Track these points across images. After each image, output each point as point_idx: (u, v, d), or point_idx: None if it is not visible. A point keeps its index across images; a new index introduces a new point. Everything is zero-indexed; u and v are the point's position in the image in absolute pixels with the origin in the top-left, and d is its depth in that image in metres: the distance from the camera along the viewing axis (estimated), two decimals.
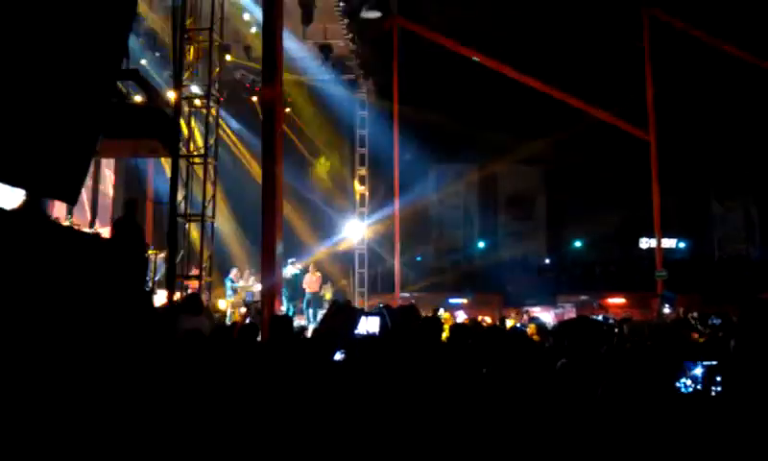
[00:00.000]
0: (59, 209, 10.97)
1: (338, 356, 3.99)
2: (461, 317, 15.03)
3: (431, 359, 3.91)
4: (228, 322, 11.50)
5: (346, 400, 3.18)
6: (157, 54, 13.83)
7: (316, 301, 14.36)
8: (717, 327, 11.28)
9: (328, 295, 16.10)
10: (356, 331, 4.10)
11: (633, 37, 17.27)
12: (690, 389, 2.70)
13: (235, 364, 3.94)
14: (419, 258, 23.61)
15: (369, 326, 4.21)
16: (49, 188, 5.23)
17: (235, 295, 13.61)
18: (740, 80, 18.41)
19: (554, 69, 18.29)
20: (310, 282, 14.36)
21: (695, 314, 14.21)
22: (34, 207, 7.07)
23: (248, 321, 11.26)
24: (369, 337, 4.12)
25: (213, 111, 12.17)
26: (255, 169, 14.83)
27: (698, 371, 2.72)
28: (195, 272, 12.24)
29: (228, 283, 13.86)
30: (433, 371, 3.56)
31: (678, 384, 2.71)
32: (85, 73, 4.70)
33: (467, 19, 16.65)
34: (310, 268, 14.60)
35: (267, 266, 10.11)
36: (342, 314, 4.70)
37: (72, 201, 5.87)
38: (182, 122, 11.54)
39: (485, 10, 16.30)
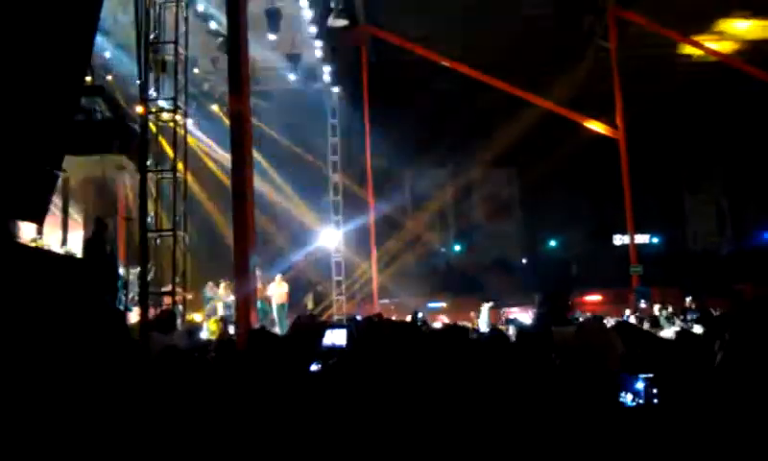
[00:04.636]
0: (28, 230, 10.80)
1: (314, 368, 4.02)
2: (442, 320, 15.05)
3: (406, 366, 3.91)
4: (204, 336, 11.38)
5: (318, 410, 3.17)
6: (123, 69, 13.71)
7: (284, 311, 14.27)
8: (695, 319, 11.43)
9: (311, 304, 16.03)
10: (323, 344, 4.10)
11: (599, 37, 17.49)
12: (633, 403, 2.71)
13: (212, 381, 3.90)
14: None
15: (335, 338, 4.18)
16: (14, 209, 5.11)
17: (210, 307, 13.51)
18: (707, 74, 18.72)
19: (523, 71, 18.44)
20: (278, 294, 14.25)
21: (670, 308, 14.45)
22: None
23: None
24: (335, 349, 4.07)
25: (181, 125, 12.06)
26: (225, 180, 14.75)
27: (639, 384, 2.72)
28: (169, 287, 12.11)
29: (204, 297, 13.75)
30: (408, 377, 3.51)
31: (621, 399, 2.72)
32: (48, 91, 4.61)
33: (434, 24, 16.74)
34: (276, 279, 14.49)
35: (240, 277, 10.05)
36: (303, 330, 4.69)
37: (39, 220, 5.73)
38: (150, 136, 11.42)
39: (451, 14, 16.39)
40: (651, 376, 2.70)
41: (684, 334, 6.72)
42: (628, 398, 2.71)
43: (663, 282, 18.30)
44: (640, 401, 2.68)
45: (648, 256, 19.41)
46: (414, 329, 6.21)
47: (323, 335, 4.27)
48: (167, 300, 11.89)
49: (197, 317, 13.15)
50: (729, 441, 2.61)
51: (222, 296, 13.62)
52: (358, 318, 9.99)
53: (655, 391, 2.68)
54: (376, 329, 5.13)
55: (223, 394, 3.43)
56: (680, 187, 24.79)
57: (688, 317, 13.60)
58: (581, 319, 9.96)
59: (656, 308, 14.85)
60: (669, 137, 20.91)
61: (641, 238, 20.43)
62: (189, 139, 12.83)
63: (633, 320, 12.83)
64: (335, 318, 15.38)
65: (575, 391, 2.90)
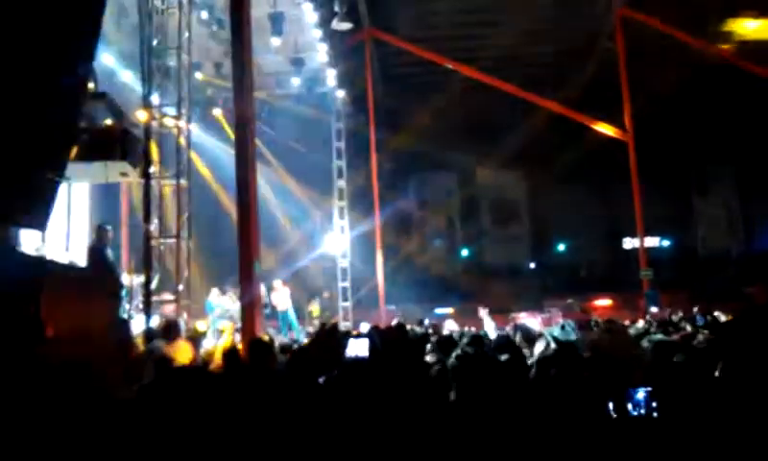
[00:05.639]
0: (32, 237, 10.70)
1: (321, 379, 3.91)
2: (451, 327, 14.82)
3: (417, 379, 3.82)
4: (205, 343, 11.23)
5: (335, 426, 3.09)
6: (126, 75, 13.62)
7: (288, 317, 14.05)
8: (702, 326, 11.22)
9: (316, 310, 15.82)
10: (346, 355, 3.95)
11: (606, 38, 17.36)
12: (635, 413, 2.69)
13: (216, 393, 3.78)
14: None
15: (357, 349, 4.00)
16: (17, 217, 5.01)
17: (215, 316, 13.34)
18: (716, 75, 18.53)
19: (530, 74, 18.31)
20: (281, 299, 14.01)
21: (680, 313, 14.21)
22: (2, 239, 6.84)
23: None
24: (358, 361, 3.91)
25: (184, 130, 11.98)
26: (228, 186, 14.63)
27: (640, 395, 2.71)
28: (172, 295, 11.99)
29: (208, 304, 13.60)
30: (420, 390, 3.48)
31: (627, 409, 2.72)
32: (51, 98, 4.51)
33: (439, 27, 16.63)
34: (275, 284, 14.25)
35: (245, 284, 9.91)
36: (329, 339, 4.57)
37: (41, 228, 5.64)
38: (153, 143, 11.34)
39: (456, 16, 16.28)
40: (650, 389, 2.69)
41: (687, 341, 6.60)
42: (630, 408, 2.72)
43: (673, 286, 18.09)
44: (642, 412, 2.67)
45: (658, 260, 19.20)
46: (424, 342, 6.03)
47: (345, 346, 4.13)
48: (171, 308, 11.78)
49: (201, 325, 12.99)
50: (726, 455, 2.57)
51: (226, 303, 13.47)
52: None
53: (654, 404, 2.66)
54: (395, 341, 4.98)
55: (226, 404, 3.36)
56: (689, 189, 24.54)
57: (698, 322, 13.39)
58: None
59: (666, 313, 14.63)
60: (678, 139, 20.71)
61: (651, 241, 20.21)
62: (192, 145, 12.74)
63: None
64: (342, 325, 15.19)
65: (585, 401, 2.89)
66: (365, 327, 12.22)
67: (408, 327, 12.17)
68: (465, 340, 5.55)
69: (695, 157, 22.29)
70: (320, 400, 3.48)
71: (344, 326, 15.05)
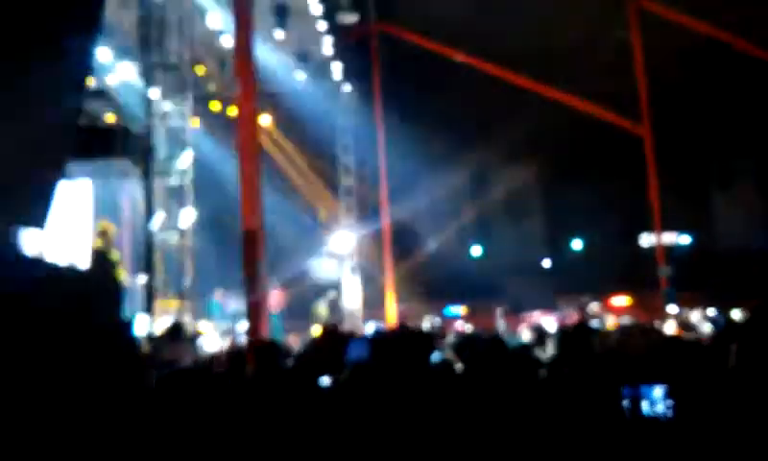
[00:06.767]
0: (32, 238, 10.50)
1: (326, 381, 3.81)
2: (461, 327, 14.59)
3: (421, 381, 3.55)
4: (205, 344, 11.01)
5: (337, 432, 2.98)
6: (126, 70, 13.42)
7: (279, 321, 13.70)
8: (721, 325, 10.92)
9: (324, 312, 15.61)
10: (349, 357, 3.86)
11: (619, 29, 17.00)
12: (651, 412, 2.60)
13: (220, 398, 3.63)
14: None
15: (361, 351, 3.86)
16: (16, 215, 4.82)
17: (220, 317, 13.12)
18: (734, 66, 18.10)
19: (543, 66, 17.96)
20: (276, 302, 13.65)
21: (698, 311, 13.84)
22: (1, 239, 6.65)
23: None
24: (360, 363, 3.74)
25: (186, 127, 11.83)
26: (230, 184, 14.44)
27: (657, 393, 2.59)
28: (175, 295, 11.87)
29: (213, 305, 13.38)
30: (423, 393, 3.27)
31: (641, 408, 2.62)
32: (50, 94, 4.33)
33: (448, 18, 16.32)
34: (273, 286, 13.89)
35: (249, 283, 9.64)
36: (330, 340, 4.40)
37: (40, 226, 5.48)
38: (155, 140, 11.17)
39: (466, 7, 15.97)
40: (666, 387, 2.62)
41: (696, 343, 6.36)
42: (644, 406, 2.66)
43: (692, 284, 17.70)
44: (658, 410, 2.61)
45: (676, 257, 18.81)
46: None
47: (347, 348, 4.00)
48: (174, 309, 11.66)
49: (204, 327, 12.79)
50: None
51: (231, 304, 13.24)
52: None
53: (670, 403, 2.60)
54: (397, 343, 4.76)
55: (232, 410, 3.24)
56: (708, 184, 24.11)
57: (717, 321, 13.09)
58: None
59: (684, 311, 14.31)
60: (697, 132, 20.30)
61: (669, 238, 19.80)
62: (195, 141, 12.58)
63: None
64: (348, 325, 14.96)
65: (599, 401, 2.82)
66: (371, 327, 12.00)
67: (416, 327, 11.90)
68: (484, 342, 5.36)
69: (714, 151, 21.88)
70: (324, 402, 3.40)
71: (350, 325, 14.82)
